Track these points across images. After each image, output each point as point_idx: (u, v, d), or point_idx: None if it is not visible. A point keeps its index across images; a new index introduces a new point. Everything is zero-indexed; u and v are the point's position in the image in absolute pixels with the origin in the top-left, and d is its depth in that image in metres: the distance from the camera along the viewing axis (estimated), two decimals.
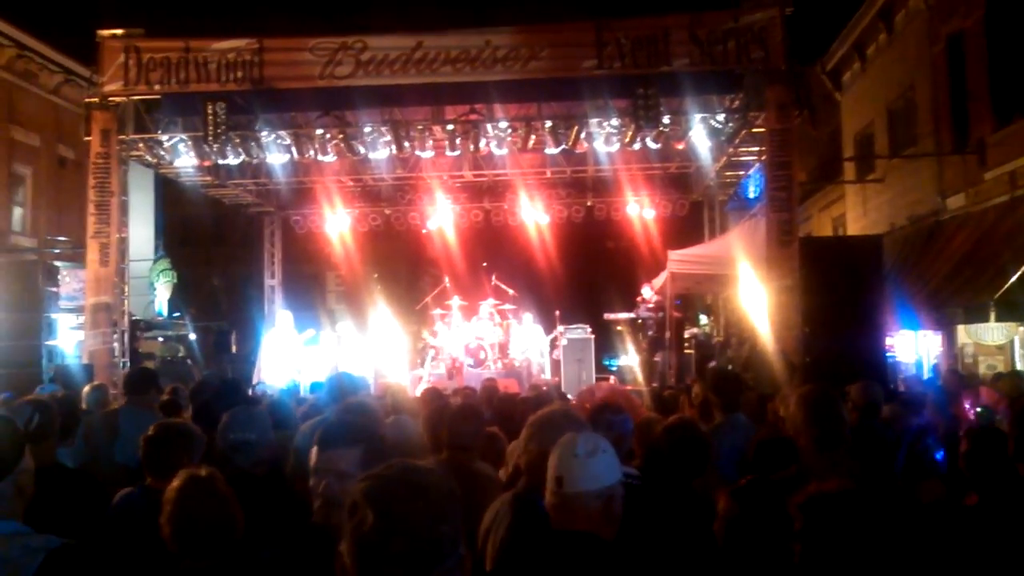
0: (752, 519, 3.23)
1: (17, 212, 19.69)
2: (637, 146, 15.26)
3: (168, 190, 23.73)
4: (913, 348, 17.09)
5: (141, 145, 15.17)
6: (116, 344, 14.16)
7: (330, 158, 15.97)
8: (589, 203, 20.38)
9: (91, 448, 5.97)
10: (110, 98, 14.08)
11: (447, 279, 20.12)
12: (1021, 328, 13.87)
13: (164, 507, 3.03)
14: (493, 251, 23.25)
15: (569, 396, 12.14)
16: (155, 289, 21.98)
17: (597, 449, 2.83)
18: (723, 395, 5.68)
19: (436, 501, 1.81)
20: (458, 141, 15.23)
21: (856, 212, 20.96)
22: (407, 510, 1.77)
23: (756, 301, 13.52)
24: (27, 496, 2.54)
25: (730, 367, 14.97)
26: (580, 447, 2.81)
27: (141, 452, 4.11)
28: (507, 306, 19.11)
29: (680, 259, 16.63)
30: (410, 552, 1.75)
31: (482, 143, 15.27)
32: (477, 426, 4.57)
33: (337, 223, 20.87)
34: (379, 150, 15.37)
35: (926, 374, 15.21)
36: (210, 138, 14.02)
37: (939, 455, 5.36)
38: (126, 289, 14.88)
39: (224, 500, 3.08)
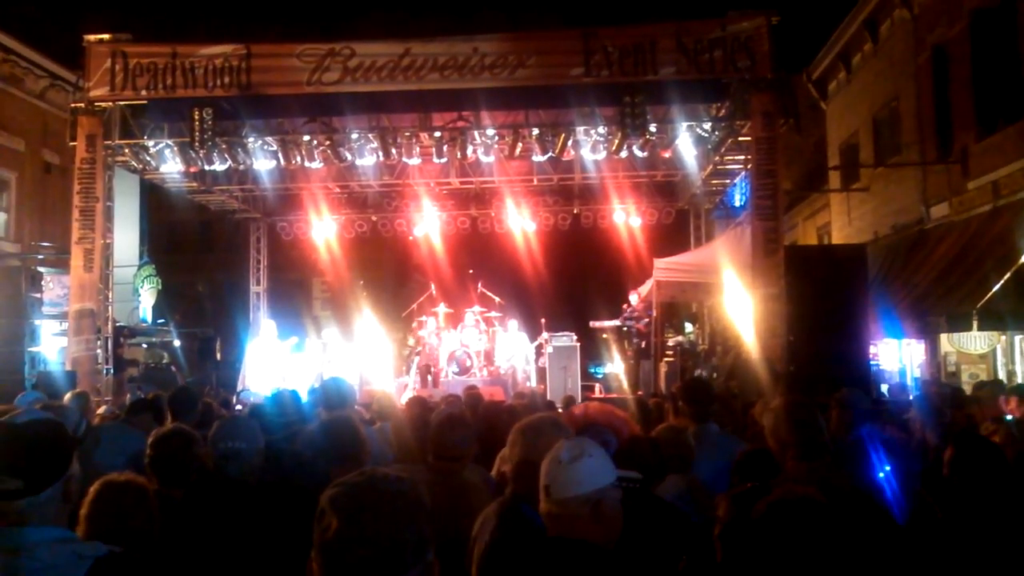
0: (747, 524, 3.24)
1: (1, 217, 19.57)
2: (624, 154, 15.31)
3: (154, 196, 23.69)
4: (896, 356, 17.18)
5: (127, 150, 15.12)
6: (100, 351, 14.07)
7: (317, 164, 15.94)
8: (576, 211, 20.40)
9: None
10: (96, 103, 14.03)
11: (433, 286, 20.13)
12: (1003, 337, 13.96)
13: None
14: (479, 258, 23.25)
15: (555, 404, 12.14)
16: (140, 295, 21.88)
17: (582, 454, 2.80)
18: (694, 404, 5.59)
19: (401, 509, 1.83)
20: (445, 148, 15.24)
21: (841, 221, 21.07)
22: (370, 517, 1.80)
23: (741, 309, 13.56)
24: (72, 502, 2.57)
25: (715, 375, 15.03)
26: (564, 453, 2.80)
27: (147, 459, 4.15)
28: (493, 313, 19.11)
29: (666, 267, 16.68)
30: (372, 559, 1.77)
31: (469, 150, 15.28)
32: (464, 435, 4.53)
33: (323, 229, 20.83)
34: (366, 157, 15.37)
35: (909, 382, 15.28)
36: (197, 144, 13.98)
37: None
38: (110, 295, 14.77)
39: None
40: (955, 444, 4.11)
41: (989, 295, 11.75)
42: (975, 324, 11.96)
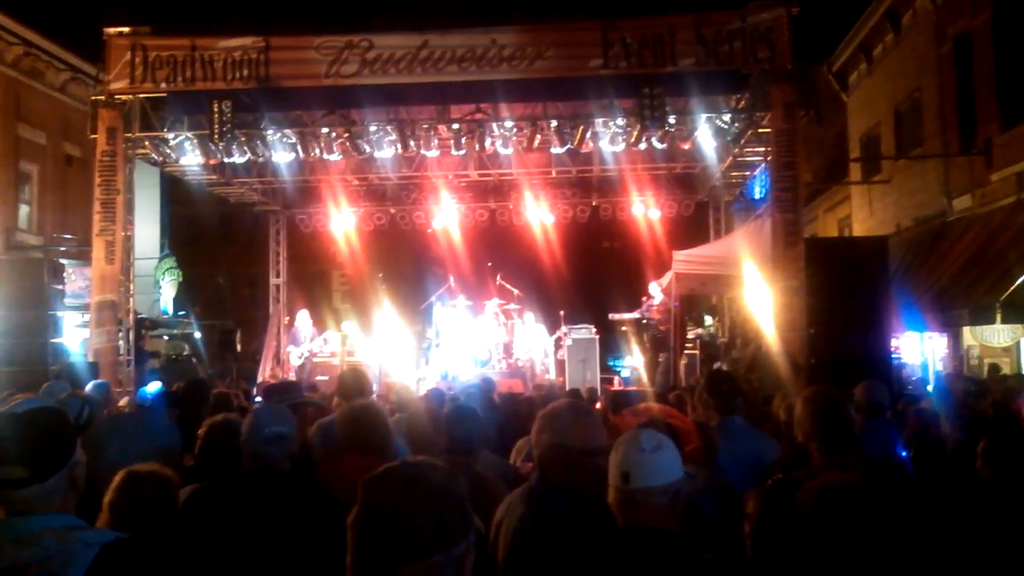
0: (779, 519, 3.22)
1: (23, 210, 19.72)
2: (643, 146, 15.25)
3: (174, 188, 23.79)
4: (919, 350, 17.06)
5: (147, 143, 15.17)
6: (121, 342, 14.15)
7: (335, 157, 15.97)
8: (594, 203, 20.36)
9: (90, 448, 5.98)
10: (116, 96, 14.09)
11: (452, 278, 20.13)
12: None
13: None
14: (498, 251, 23.24)
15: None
16: (160, 287, 22.04)
17: (661, 444, 2.80)
18: (718, 396, 5.48)
19: (421, 495, 1.85)
20: (463, 140, 15.22)
21: (862, 213, 20.93)
22: (386, 500, 1.84)
23: (761, 302, 13.49)
24: (79, 489, 2.56)
25: (735, 368, 14.95)
26: (646, 442, 2.78)
27: (198, 450, 4.19)
28: (512, 306, 19.09)
29: (685, 259, 16.61)
30: (385, 539, 1.81)
31: (487, 142, 15.27)
32: (473, 427, 4.50)
33: (342, 222, 20.88)
34: (384, 149, 15.38)
35: (931, 376, 15.17)
36: (216, 136, 14.03)
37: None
38: (131, 287, 14.85)
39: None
40: (989, 435, 4.04)
41: (1013, 288, 11.65)
42: (998, 317, 11.87)
